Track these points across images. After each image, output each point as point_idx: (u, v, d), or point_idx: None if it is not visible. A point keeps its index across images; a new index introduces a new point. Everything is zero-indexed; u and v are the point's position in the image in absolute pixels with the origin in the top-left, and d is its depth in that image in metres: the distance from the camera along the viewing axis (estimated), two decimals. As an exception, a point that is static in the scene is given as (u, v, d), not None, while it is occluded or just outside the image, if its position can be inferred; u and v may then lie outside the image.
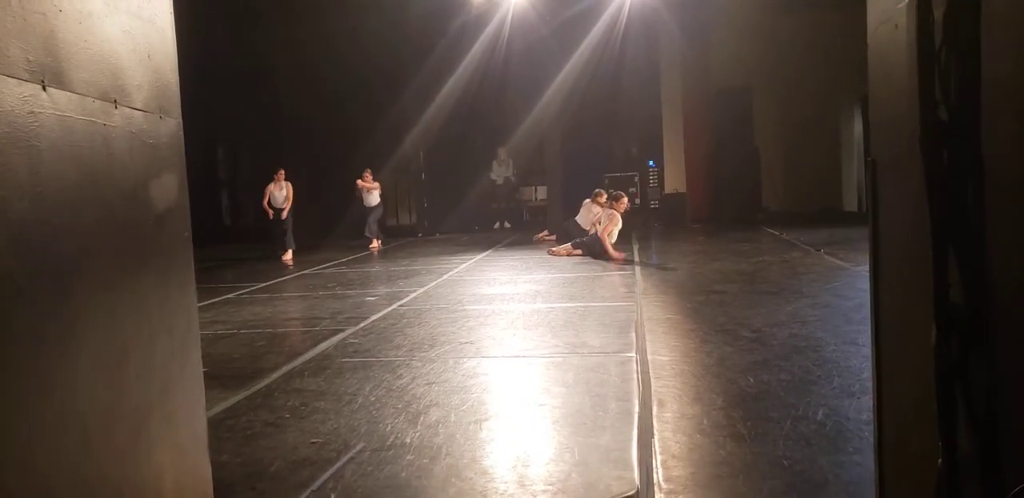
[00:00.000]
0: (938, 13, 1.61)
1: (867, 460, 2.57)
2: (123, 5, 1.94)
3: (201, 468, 2.41)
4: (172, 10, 2.19)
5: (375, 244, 12.77)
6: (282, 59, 13.69)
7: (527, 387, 4.08)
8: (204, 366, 2.51)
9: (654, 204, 15.86)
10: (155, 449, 2.10)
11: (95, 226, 1.80)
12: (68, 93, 1.69)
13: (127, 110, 1.95)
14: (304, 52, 13.57)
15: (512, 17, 13.72)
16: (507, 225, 15.91)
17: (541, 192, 16.72)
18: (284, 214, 11.75)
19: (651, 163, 16.25)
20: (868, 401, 2.40)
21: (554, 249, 10.42)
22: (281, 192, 11.86)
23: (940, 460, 1.55)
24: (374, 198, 13.19)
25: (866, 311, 2.25)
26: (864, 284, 2.23)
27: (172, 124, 2.24)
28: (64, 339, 1.67)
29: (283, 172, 11.89)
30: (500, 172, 16.14)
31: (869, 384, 2.25)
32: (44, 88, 1.61)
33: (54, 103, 1.64)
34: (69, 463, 1.69)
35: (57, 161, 1.65)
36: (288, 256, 11.52)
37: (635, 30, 14.17)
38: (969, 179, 1.52)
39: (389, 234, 14.70)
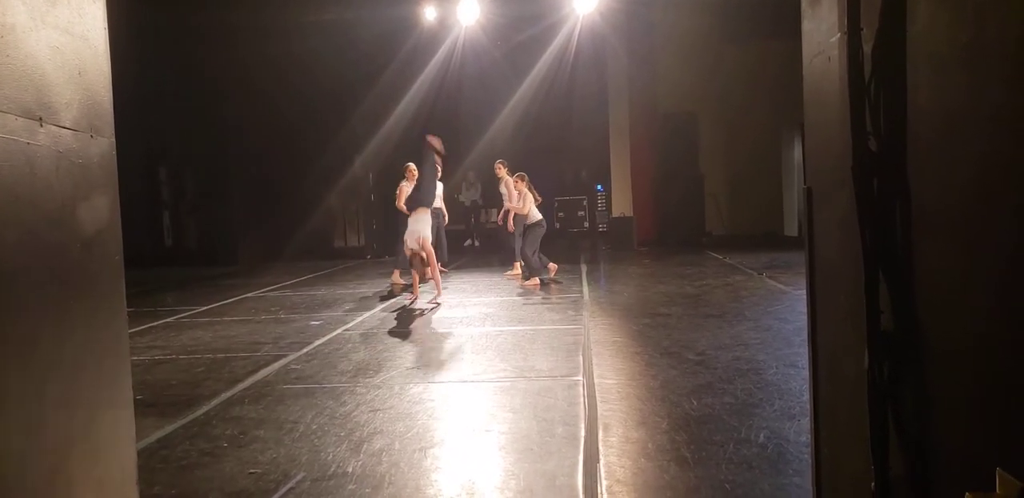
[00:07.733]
0: (867, 47, 1.67)
1: (807, 482, 2.59)
2: (51, 20, 1.87)
3: (128, 503, 2.30)
4: (106, 26, 2.12)
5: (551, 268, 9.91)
6: (230, 80, 13.48)
7: (474, 412, 4.03)
8: (140, 393, 2.41)
9: (602, 228, 16.04)
10: (76, 486, 1.99)
11: (14, 248, 1.71)
12: (-13, 110, 1.62)
13: (54, 128, 1.88)
14: (253, 73, 13.39)
15: (463, 41, 13.81)
16: (476, 244, 15.97)
17: (493, 214, 16.79)
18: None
19: (599, 187, 16.46)
20: (808, 423, 2.43)
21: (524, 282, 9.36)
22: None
23: (873, 483, 1.57)
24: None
25: (806, 334, 2.29)
26: (805, 307, 2.27)
27: (104, 144, 2.16)
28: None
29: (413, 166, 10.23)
30: (468, 195, 16.22)
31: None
32: (-39, 105, 1.53)
33: (-28, 120, 1.56)
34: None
35: (-27, 181, 1.56)
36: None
37: (585, 55, 14.41)
38: (898, 206, 1.57)
39: (337, 256, 14.51)
